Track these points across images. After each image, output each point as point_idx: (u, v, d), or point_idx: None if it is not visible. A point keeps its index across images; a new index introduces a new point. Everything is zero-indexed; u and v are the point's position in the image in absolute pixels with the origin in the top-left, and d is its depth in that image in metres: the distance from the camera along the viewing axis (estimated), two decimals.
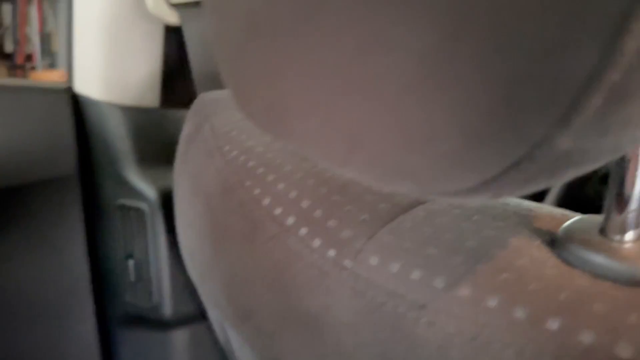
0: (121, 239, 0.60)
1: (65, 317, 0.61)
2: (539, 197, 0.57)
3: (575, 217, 0.22)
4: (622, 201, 0.20)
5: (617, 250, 0.20)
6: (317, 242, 0.26)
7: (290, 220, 0.27)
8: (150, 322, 0.61)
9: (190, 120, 0.41)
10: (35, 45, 2.18)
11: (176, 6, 0.56)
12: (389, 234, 0.24)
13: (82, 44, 0.58)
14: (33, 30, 2.19)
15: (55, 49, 2.20)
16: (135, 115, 0.58)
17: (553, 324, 0.18)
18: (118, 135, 0.58)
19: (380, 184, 0.17)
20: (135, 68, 0.58)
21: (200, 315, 0.60)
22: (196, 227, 0.36)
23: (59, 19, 2.18)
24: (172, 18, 0.56)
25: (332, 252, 0.25)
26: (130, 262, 0.59)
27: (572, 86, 0.11)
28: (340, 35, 0.15)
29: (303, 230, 0.26)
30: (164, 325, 0.60)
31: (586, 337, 0.18)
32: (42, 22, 2.18)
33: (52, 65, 2.19)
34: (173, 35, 0.59)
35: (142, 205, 0.57)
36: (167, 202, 0.57)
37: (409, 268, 0.22)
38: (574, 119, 0.12)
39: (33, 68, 2.18)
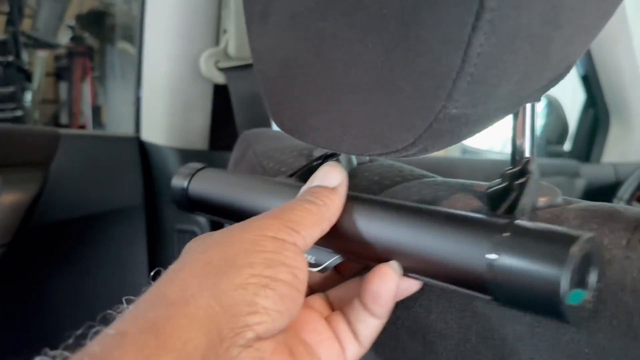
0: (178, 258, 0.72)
1: None
2: None
3: (499, 180, 0.33)
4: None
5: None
6: None
7: None
8: None
9: (237, 149, 0.54)
10: (87, 118, 2.42)
11: (223, 70, 0.71)
12: None
13: (149, 102, 0.73)
14: (86, 104, 2.43)
15: (105, 120, 2.43)
16: (190, 156, 0.72)
17: None
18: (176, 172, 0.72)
19: (362, 151, 0.29)
20: (191, 119, 0.73)
21: None
22: None
23: (108, 94, 2.43)
24: (220, 79, 0.71)
25: None
26: None
27: (450, 76, 0.23)
28: (335, 61, 0.27)
29: None
30: None
31: None
32: (94, 97, 2.43)
33: None
34: (220, 93, 0.74)
35: (195, 229, 0.70)
36: (214, 224, 0.70)
37: None
38: (454, 95, 0.23)
39: None
